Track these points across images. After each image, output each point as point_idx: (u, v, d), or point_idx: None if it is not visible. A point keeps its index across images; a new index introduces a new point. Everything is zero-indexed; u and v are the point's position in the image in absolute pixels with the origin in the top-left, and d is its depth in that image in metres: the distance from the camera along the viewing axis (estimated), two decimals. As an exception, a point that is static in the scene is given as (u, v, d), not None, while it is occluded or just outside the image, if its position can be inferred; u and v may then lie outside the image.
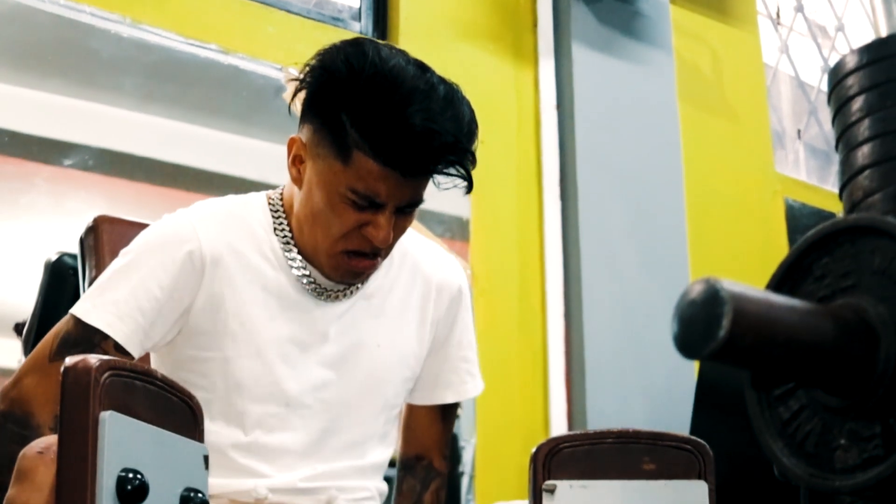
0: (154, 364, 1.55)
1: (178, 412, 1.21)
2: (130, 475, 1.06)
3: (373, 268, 1.50)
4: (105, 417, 1.07)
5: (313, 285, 1.53)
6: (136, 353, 1.47)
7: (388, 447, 1.62)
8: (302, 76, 1.48)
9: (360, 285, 1.57)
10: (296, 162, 1.49)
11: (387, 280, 1.60)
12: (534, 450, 1.38)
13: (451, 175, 1.45)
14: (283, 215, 1.54)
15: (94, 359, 1.09)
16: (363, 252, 1.47)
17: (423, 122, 1.38)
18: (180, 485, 1.14)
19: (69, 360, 1.09)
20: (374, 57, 1.41)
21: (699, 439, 1.38)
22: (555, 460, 1.37)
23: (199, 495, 1.14)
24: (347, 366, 1.54)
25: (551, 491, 1.35)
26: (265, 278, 1.51)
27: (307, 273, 1.52)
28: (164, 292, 1.45)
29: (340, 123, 1.41)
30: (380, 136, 1.38)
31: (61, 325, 1.47)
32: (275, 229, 1.53)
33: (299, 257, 1.52)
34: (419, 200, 1.47)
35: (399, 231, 1.48)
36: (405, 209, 1.46)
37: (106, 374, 1.09)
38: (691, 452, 1.36)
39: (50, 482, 1.13)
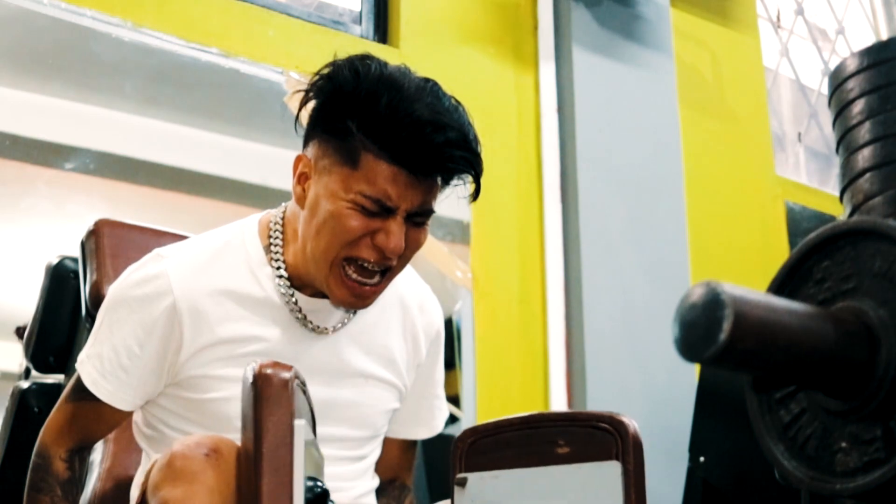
0: (149, 408, 1.54)
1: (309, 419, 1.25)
2: (312, 482, 1.11)
3: (374, 294, 1.46)
4: (299, 425, 1.11)
5: (303, 320, 1.51)
6: (125, 407, 1.49)
7: (374, 478, 1.63)
8: (307, 90, 1.46)
9: (348, 318, 1.55)
10: (301, 180, 1.47)
11: (374, 316, 1.59)
12: (454, 441, 1.35)
13: (460, 173, 1.43)
14: (280, 243, 1.51)
15: (287, 365, 1.14)
16: (369, 269, 1.43)
17: (430, 115, 1.37)
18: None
19: (263, 368, 1.12)
20: (378, 64, 1.42)
21: (620, 416, 1.27)
22: (471, 451, 1.33)
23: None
24: (337, 400, 1.53)
25: (462, 484, 1.31)
26: (251, 318, 1.49)
27: (298, 308, 1.51)
28: (145, 350, 1.46)
29: (347, 130, 1.39)
30: (388, 134, 1.37)
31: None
32: (270, 259, 1.51)
33: (290, 291, 1.50)
34: (430, 209, 1.44)
35: (412, 245, 1.44)
36: (417, 218, 1.43)
37: (295, 382, 1.14)
38: (608, 432, 1.26)
39: (220, 486, 1.17)
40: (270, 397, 1.11)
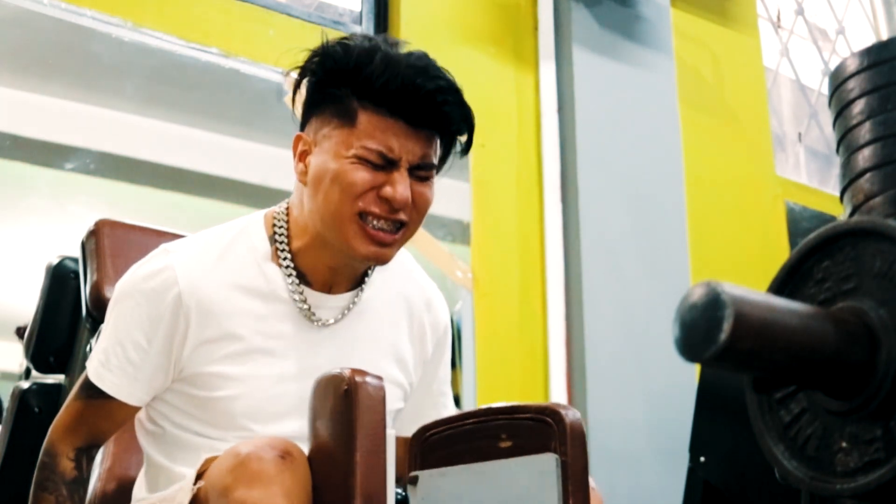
0: (154, 404, 1.54)
1: None
2: (399, 489, 1.11)
3: (394, 243, 1.47)
4: (391, 434, 1.13)
5: (308, 312, 1.51)
6: (133, 402, 1.48)
7: None
8: (302, 70, 1.51)
9: (352, 305, 1.56)
10: (302, 157, 1.50)
11: (381, 313, 1.60)
12: (409, 440, 1.35)
13: (453, 121, 1.47)
14: (285, 234, 1.53)
15: (378, 377, 1.15)
16: (382, 217, 1.45)
17: (420, 66, 1.43)
18: None
19: (352, 371, 1.14)
20: (365, 36, 1.48)
21: (558, 407, 1.26)
22: (425, 448, 1.34)
23: None
24: None
25: (414, 482, 1.32)
26: (258, 312, 1.49)
27: (304, 301, 1.51)
28: (152, 344, 1.46)
29: (342, 96, 1.45)
30: (381, 88, 1.42)
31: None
32: (276, 252, 1.52)
33: (297, 284, 1.51)
34: (431, 163, 1.47)
35: (420, 202, 1.47)
36: (419, 171, 1.46)
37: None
38: (547, 424, 1.24)
39: (295, 489, 1.17)
40: (366, 405, 1.12)
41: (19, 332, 2.82)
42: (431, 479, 1.31)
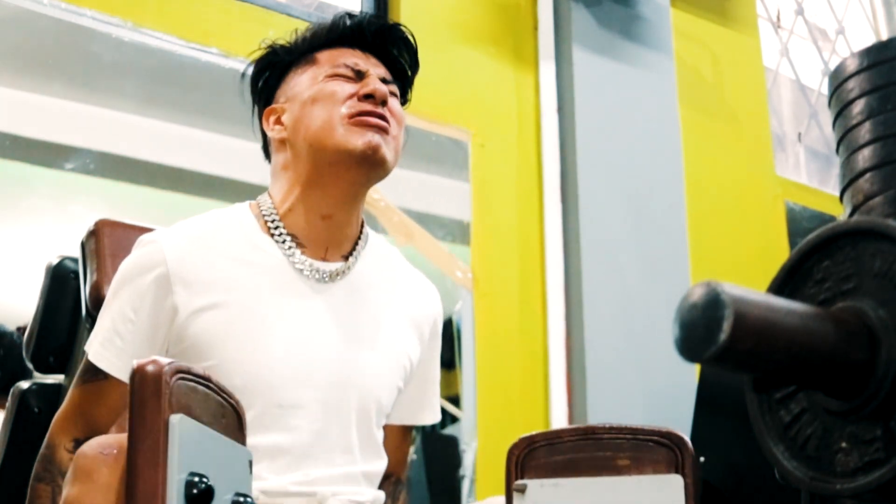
0: None
1: (227, 416, 1.23)
2: (197, 479, 1.08)
3: (388, 138, 1.55)
4: (175, 421, 1.09)
5: (307, 264, 1.54)
6: (122, 376, 1.48)
7: (381, 458, 1.61)
8: (260, 64, 1.68)
9: (348, 270, 1.57)
10: (278, 121, 1.61)
11: (375, 291, 1.61)
12: (509, 448, 1.37)
13: (390, 40, 1.64)
14: (272, 208, 1.57)
15: (164, 361, 1.12)
16: (368, 112, 1.55)
17: (357, 14, 1.66)
18: (232, 489, 1.15)
19: (138, 363, 1.12)
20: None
21: (678, 432, 1.34)
22: (528, 459, 1.36)
23: (249, 500, 1.15)
24: (344, 370, 1.54)
25: (522, 491, 1.33)
26: (250, 280, 1.51)
27: (300, 260, 1.54)
28: (138, 316, 1.49)
29: (299, 57, 1.63)
30: (330, 33, 1.64)
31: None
32: (266, 224, 1.56)
33: (289, 238, 1.55)
34: (393, 80, 1.62)
35: (394, 110, 1.58)
36: (387, 86, 1.58)
37: (175, 378, 1.11)
38: (668, 447, 1.32)
39: (114, 483, 1.16)
40: (143, 393, 1.10)
41: (19, 331, 2.82)
42: (543, 489, 1.33)
